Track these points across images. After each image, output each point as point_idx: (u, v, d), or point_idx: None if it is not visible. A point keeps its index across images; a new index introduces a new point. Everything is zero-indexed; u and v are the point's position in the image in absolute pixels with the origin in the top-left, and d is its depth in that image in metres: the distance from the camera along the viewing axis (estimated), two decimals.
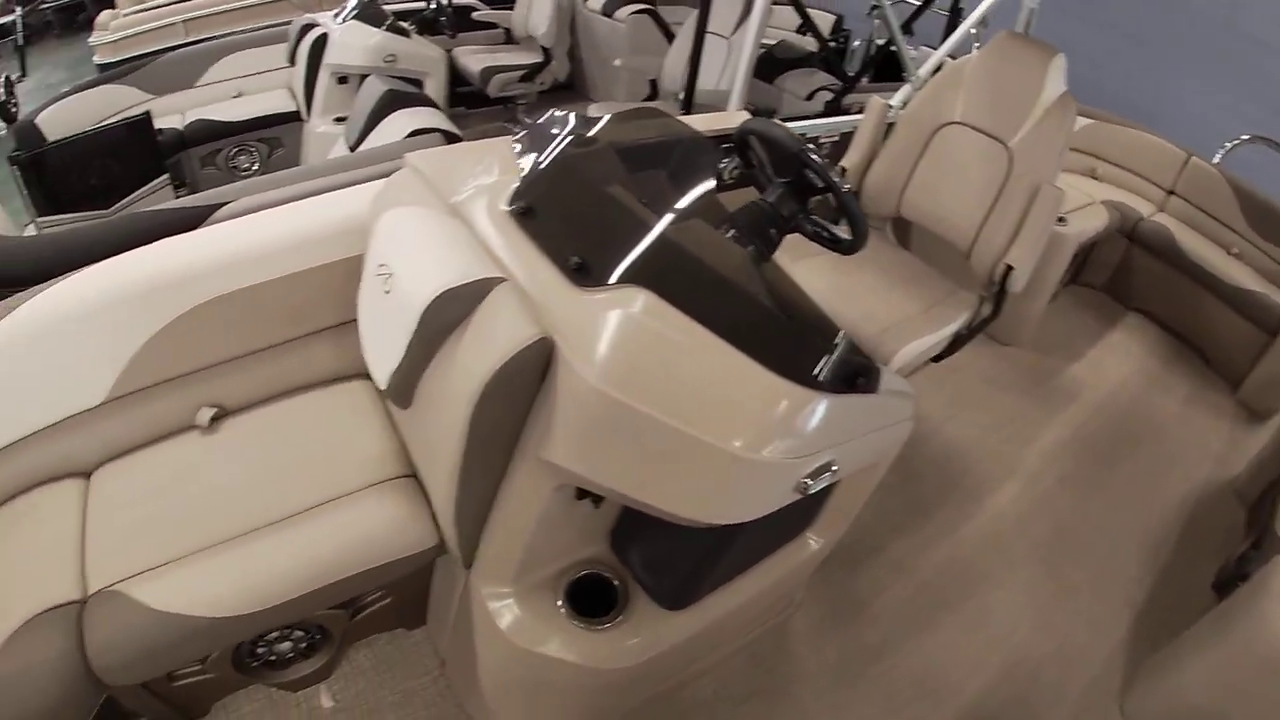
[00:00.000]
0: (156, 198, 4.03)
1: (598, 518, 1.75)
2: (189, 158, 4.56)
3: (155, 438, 1.94)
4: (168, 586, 1.56)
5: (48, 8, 9.59)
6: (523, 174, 1.73)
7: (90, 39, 6.13)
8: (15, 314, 1.73)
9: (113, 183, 3.86)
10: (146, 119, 4.00)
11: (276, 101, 4.87)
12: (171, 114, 4.64)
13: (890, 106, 2.98)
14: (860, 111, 3.25)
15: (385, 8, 4.83)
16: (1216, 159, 4.40)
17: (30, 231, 3.49)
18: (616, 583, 1.79)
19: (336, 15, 4.70)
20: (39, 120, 4.10)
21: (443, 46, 5.16)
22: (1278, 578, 2.00)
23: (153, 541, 1.66)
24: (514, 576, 1.68)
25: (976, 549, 2.76)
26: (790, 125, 2.08)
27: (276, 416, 2.00)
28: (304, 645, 1.94)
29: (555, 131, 1.82)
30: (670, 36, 5.31)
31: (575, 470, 1.37)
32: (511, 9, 6.03)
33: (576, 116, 1.87)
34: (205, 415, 1.95)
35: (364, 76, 4.09)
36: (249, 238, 1.96)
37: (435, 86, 4.88)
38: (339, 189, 2.15)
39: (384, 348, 1.54)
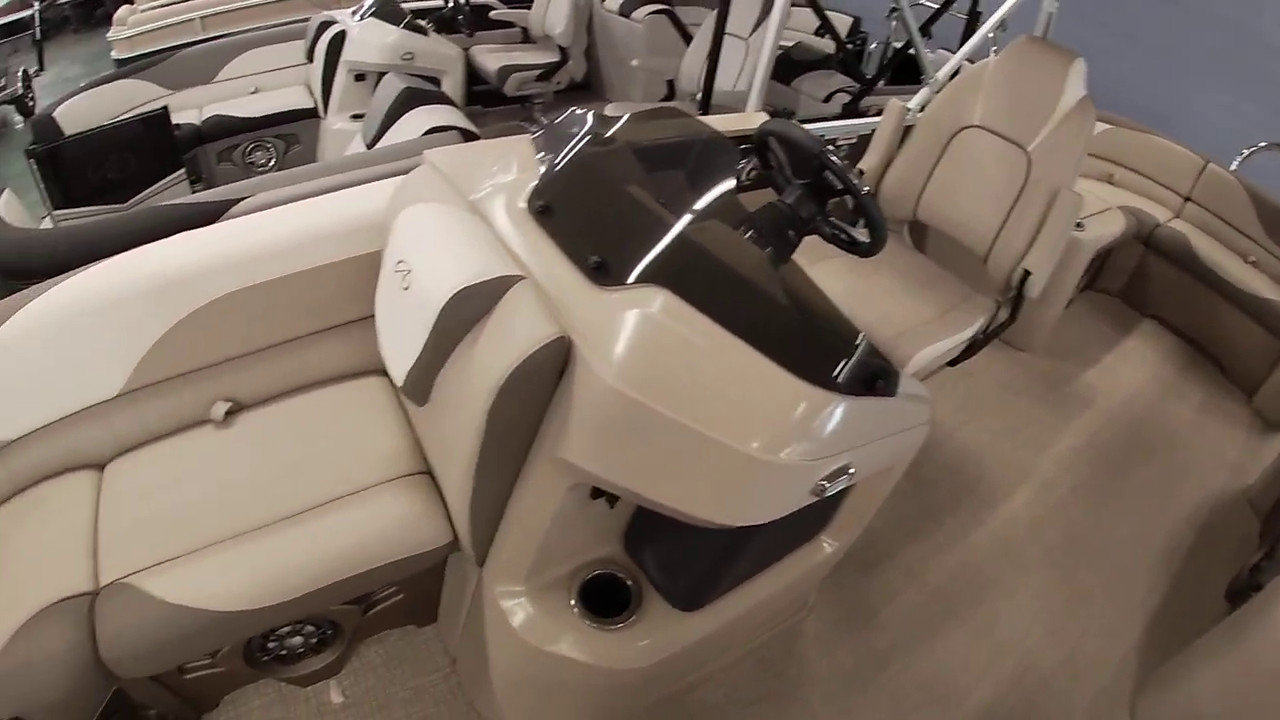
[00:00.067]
0: (173, 192, 4.05)
1: (612, 517, 1.75)
2: (205, 153, 4.58)
3: (169, 431, 1.95)
4: (180, 580, 1.56)
5: (65, 3, 9.64)
6: (542, 172, 1.73)
7: (108, 34, 6.16)
8: (31, 306, 1.74)
9: (129, 177, 3.88)
10: (164, 114, 4.02)
11: (293, 98, 4.89)
12: (189, 109, 4.66)
13: (908, 109, 2.97)
14: (878, 114, 3.24)
15: (403, 6, 4.85)
16: (1234, 166, 4.37)
17: (47, 224, 3.51)
18: (630, 583, 1.78)
19: (355, 13, 4.71)
20: (56, 114, 4.13)
21: (460, 45, 5.18)
22: None
23: (165, 534, 1.66)
24: (527, 575, 1.67)
25: (988, 555, 2.75)
26: (808, 127, 2.08)
27: (291, 411, 2.01)
28: (315, 640, 1.94)
29: (574, 130, 1.82)
30: (687, 37, 5.31)
31: (591, 469, 1.36)
32: (529, 8, 6.04)
33: (595, 115, 1.87)
34: (220, 409, 1.95)
35: (381, 74, 4.11)
36: (266, 233, 1.96)
37: (452, 85, 4.89)
38: (356, 185, 2.14)
39: (401, 344, 1.54)
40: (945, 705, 2.27)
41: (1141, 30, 6.14)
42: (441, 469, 1.77)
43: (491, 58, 5.59)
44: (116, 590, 1.55)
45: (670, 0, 5.70)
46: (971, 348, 2.56)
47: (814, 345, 1.43)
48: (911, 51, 3.81)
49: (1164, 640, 2.55)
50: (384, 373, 2.06)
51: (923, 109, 3.26)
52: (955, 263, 2.79)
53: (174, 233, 1.94)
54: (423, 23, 4.85)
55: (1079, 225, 3.52)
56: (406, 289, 1.51)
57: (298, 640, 1.91)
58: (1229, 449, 3.54)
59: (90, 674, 1.48)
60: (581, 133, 1.80)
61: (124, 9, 6.16)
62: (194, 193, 3.58)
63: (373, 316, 1.77)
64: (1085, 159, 2.53)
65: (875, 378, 1.43)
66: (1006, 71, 2.65)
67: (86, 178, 3.70)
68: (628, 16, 5.67)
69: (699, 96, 3.72)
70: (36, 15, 8.10)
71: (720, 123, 2.76)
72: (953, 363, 2.57)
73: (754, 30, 4.60)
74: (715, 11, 3.69)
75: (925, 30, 4.01)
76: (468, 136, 3.10)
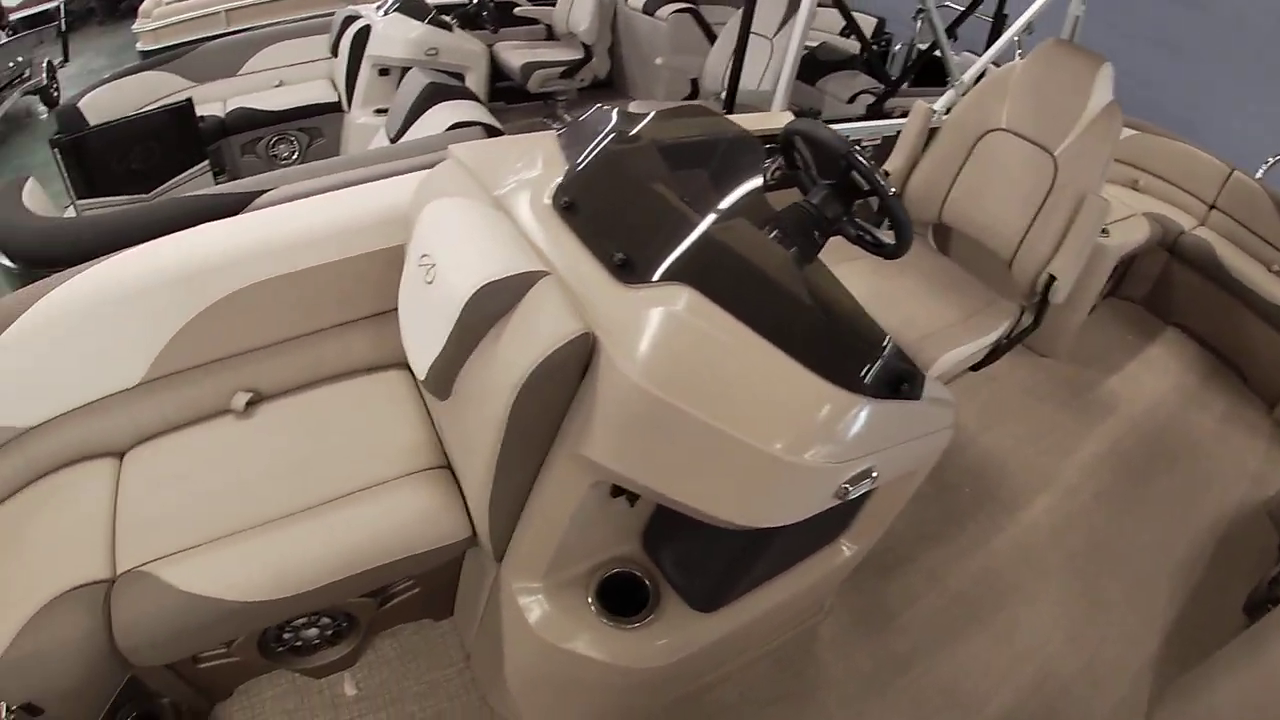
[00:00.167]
0: (196, 184, 4.06)
1: (631, 516, 1.74)
2: (229, 145, 4.60)
3: (189, 420, 1.96)
4: (197, 569, 1.57)
5: None
6: (566, 169, 1.73)
7: (134, 26, 6.22)
8: (54, 294, 1.75)
9: (153, 168, 3.89)
10: (188, 105, 4.03)
11: (317, 92, 4.91)
12: (213, 101, 4.69)
13: (934, 111, 2.95)
14: (902, 116, 3.22)
15: (428, 1, 4.85)
16: (1259, 174, 4.32)
17: (70, 214, 3.52)
18: (647, 582, 1.77)
19: (379, 8, 4.73)
20: (81, 104, 4.15)
21: (484, 41, 5.18)
22: None
23: (183, 523, 1.67)
24: (545, 572, 1.67)
25: (1009, 561, 2.73)
26: (833, 128, 2.07)
27: (312, 403, 2.01)
28: (330, 632, 1.95)
29: (599, 127, 1.81)
30: (712, 36, 5.30)
31: (613, 467, 1.36)
32: (553, 5, 6.04)
33: (620, 113, 1.86)
34: (240, 400, 1.96)
35: (406, 69, 4.12)
36: (290, 225, 1.97)
37: (476, 81, 4.89)
38: (380, 179, 2.15)
39: (424, 338, 1.54)
40: (965, 711, 2.25)
41: (1167, 34, 6.09)
42: (461, 464, 1.77)
43: (515, 54, 5.59)
44: (133, 578, 1.56)
45: None
46: (995, 352, 2.54)
47: (839, 346, 1.42)
48: (936, 53, 3.78)
49: (1183, 651, 2.52)
50: (404, 366, 2.07)
51: (948, 111, 3.24)
52: (979, 266, 2.77)
53: (197, 224, 1.95)
54: (447, 18, 4.86)
55: (1104, 231, 3.48)
56: (430, 283, 1.50)
57: (313, 632, 1.91)
58: (1250, 459, 3.51)
59: (105, 661, 1.49)
60: (606, 130, 1.79)
61: (149, 1, 6.20)
62: (217, 184, 3.59)
63: (394, 310, 1.76)
64: (1112, 164, 2.50)
65: (901, 381, 1.42)
66: (1033, 75, 2.63)
67: (110, 168, 3.72)
68: (652, 14, 5.66)
69: (723, 95, 3.71)
70: (62, 7, 8.15)
71: (745, 122, 2.75)
72: (976, 367, 2.55)
73: (779, 30, 4.58)
74: (740, 10, 3.67)
75: (951, 32, 3.98)
76: (492, 132, 3.10)
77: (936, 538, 2.75)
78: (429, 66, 4.27)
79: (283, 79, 5.04)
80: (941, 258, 2.85)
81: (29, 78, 7.36)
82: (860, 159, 1.65)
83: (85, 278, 1.78)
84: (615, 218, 1.59)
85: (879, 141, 3.43)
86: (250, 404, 1.97)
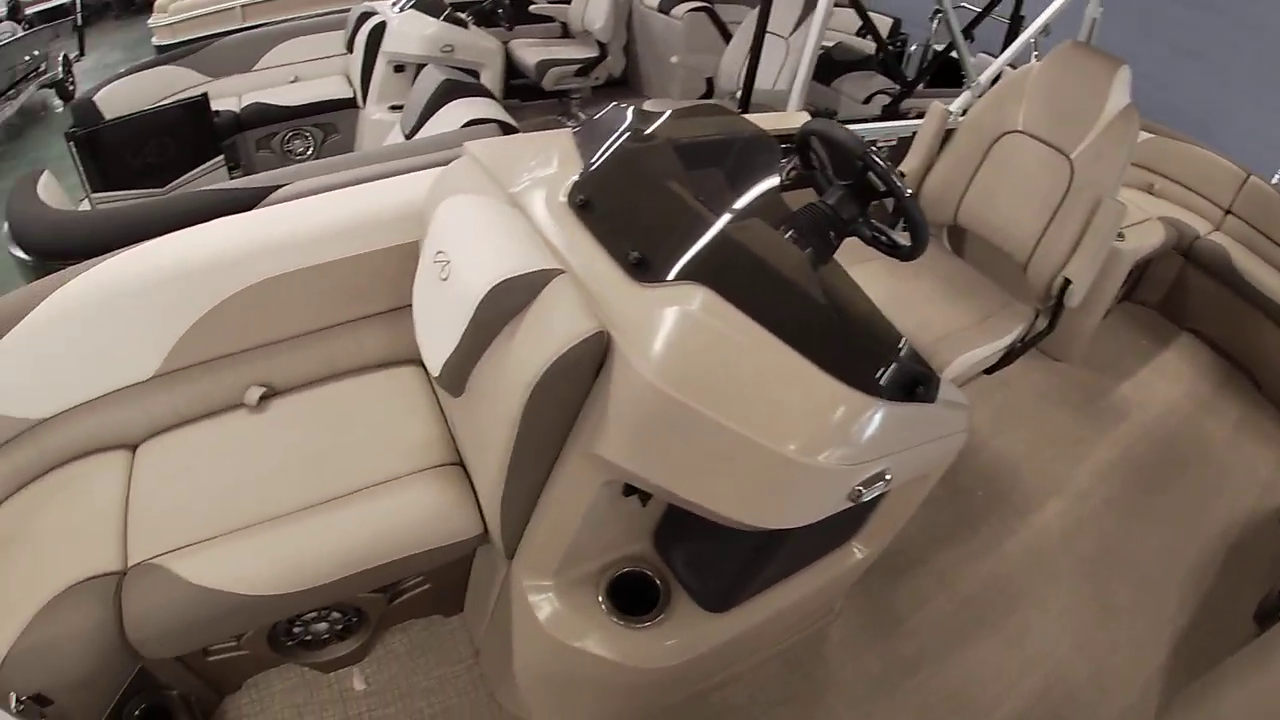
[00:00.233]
0: (210, 179, 4.08)
1: (643, 515, 1.74)
2: (244, 140, 4.61)
3: (202, 414, 1.97)
4: (208, 562, 1.57)
5: None
6: (582, 167, 1.72)
7: (149, 21, 6.23)
8: (68, 287, 1.76)
9: (168, 162, 3.90)
10: (204, 100, 4.05)
11: (333, 88, 4.92)
12: (228, 96, 4.70)
13: (950, 113, 2.93)
14: (917, 116, 3.21)
15: None
16: (1276, 179, 4.29)
17: (85, 207, 3.54)
18: (658, 582, 1.77)
19: (395, 4, 4.73)
20: (97, 98, 4.18)
21: (499, 38, 5.18)
22: None
23: (195, 517, 1.68)
24: (556, 570, 1.67)
25: (1020, 566, 2.72)
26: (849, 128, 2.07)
27: (325, 398, 2.02)
28: (340, 627, 1.95)
29: (615, 125, 1.81)
30: (727, 35, 5.28)
31: (626, 466, 1.35)
32: (568, 3, 6.03)
33: (636, 111, 1.86)
34: (254, 394, 1.97)
35: (421, 66, 4.12)
36: (304, 220, 1.97)
37: (491, 78, 4.90)
38: (395, 175, 2.15)
39: (439, 335, 1.54)
40: (971, 715, 2.25)
41: (1183, 37, 6.06)
42: (474, 461, 1.77)
43: (530, 51, 5.59)
44: (145, 570, 1.57)
45: None
46: (1009, 356, 2.52)
47: (855, 348, 1.41)
48: (953, 54, 3.77)
49: (1192, 659, 2.51)
50: (418, 362, 2.07)
51: (964, 112, 3.23)
52: (994, 269, 2.76)
53: (212, 218, 1.96)
54: (463, 15, 4.86)
55: (1120, 235, 3.46)
56: (445, 280, 1.50)
57: (323, 626, 1.92)
58: (1262, 467, 3.48)
59: (115, 653, 1.50)
60: (622, 128, 1.79)
61: None
62: (232, 180, 3.60)
63: (408, 306, 1.76)
64: (1129, 167, 2.49)
65: (916, 383, 1.41)
66: (1050, 77, 2.61)
67: (125, 162, 3.73)
68: (667, 13, 5.65)
69: (738, 95, 3.70)
70: (77, 1, 8.20)
71: (761, 121, 2.74)
72: (990, 370, 2.54)
73: (794, 29, 4.57)
74: (756, 9, 3.67)
75: (968, 33, 3.97)
76: (507, 130, 3.10)
77: (947, 541, 2.74)
78: (444, 63, 4.28)
79: (298, 75, 5.05)
80: (956, 260, 2.84)
81: (45, 71, 7.41)
82: (877, 160, 1.65)
83: (100, 271, 1.79)
84: (631, 216, 1.58)
85: (894, 142, 3.42)
86: (263, 398, 1.98)
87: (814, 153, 1.91)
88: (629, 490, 1.57)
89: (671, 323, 1.30)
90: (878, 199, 1.75)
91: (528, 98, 5.94)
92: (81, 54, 8.26)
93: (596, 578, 1.75)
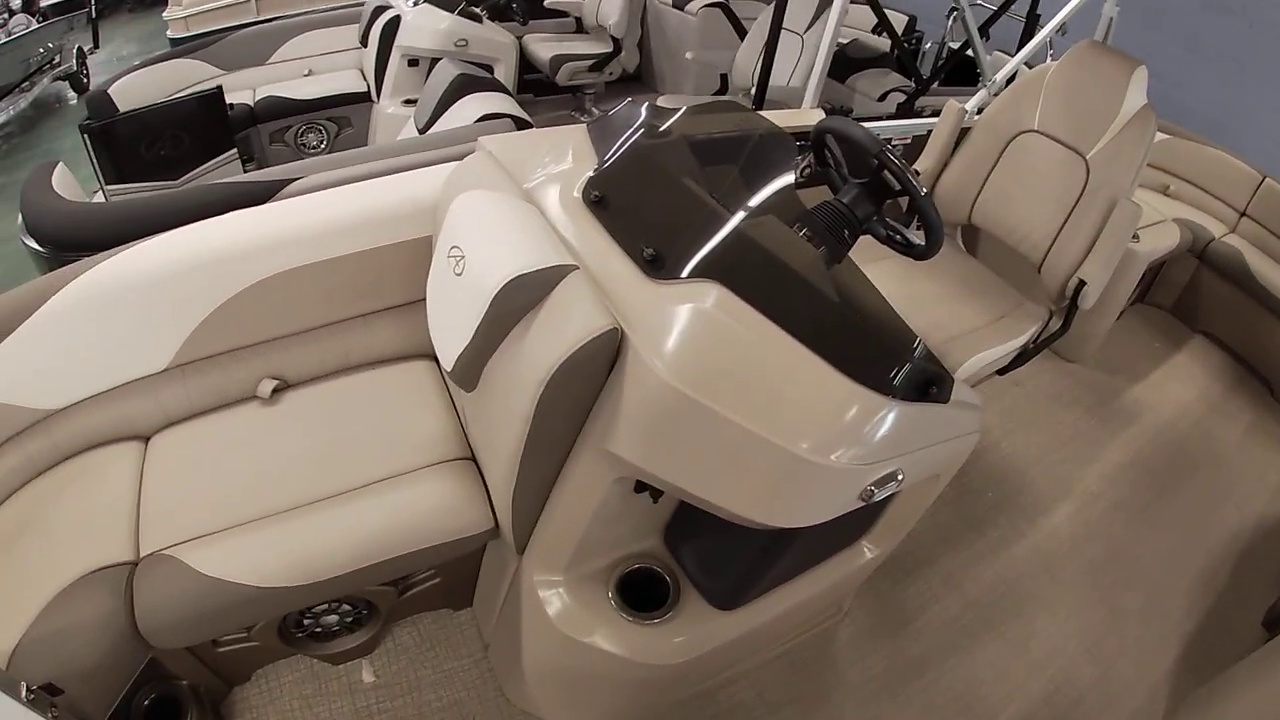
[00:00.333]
0: (224, 171, 4.09)
1: (654, 512, 1.74)
2: (258, 133, 4.62)
3: (215, 406, 1.98)
4: (220, 554, 1.58)
5: None
6: (596, 162, 1.72)
7: (164, 14, 6.25)
8: (83, 278, 1.76)
9: (182, 155, 3.91)
10: (218, 93, 4.05)
11: (347, 81, 4.92)
12: (242, 90, 4.71)
13: (966, 111, 2.92)
14: (932, 115, 3.19)
15: None
16: None
17: (99, 199, 3.55)
18: (668, 579, 1.77)
19: None
20: (111, 91, 4.19)
21: (513, 33, 5.17)
22: None
23: (207, 508, 1.68)
24: (566, 565, 1.67)
25: (1027, 568, 2.71)
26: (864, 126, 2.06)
27: (338, 392, 2.02)
28: (350, 620, 1.96)
29: (629, 121, 1.81)
30: (742, 31, 5.26)
31: (638, 463, 1.35)
32: None
33: (650, 107, 1.86)
34: (266, 387, 1.97)
35: (435, 60, 4.12)
36: (318, 214, 1.97)
37: (505, 72, 4.89)
38: (409, 170, 2.15)
39: (452, 330, 1.54)
40: (978, 717, 2.24)
41: (1200, 38, 6.02)
42: (486, 456, 1.77)
43: (544, 47, 5.58)
44: (156, 561, 1.57)
45: None
46: (1022, 356, 2.51)
47: (869, 347, 1.41)
48: (968, 53, 3.74)
49: (1200, 664, 2.50)
50: (430, 357, 2.08)
51: (980, 111, 3.21)
52: (1008, 269, 2.75)
53: (226, 211, 1.96)
54: (477, 10, 4.85)
55: (1135, 237, 3.44)
56: (459, 275, 1.50)
57: (333, 619, 1.93)
58: (1272, 473, 3.46)
59: (126, 643, 1.51)
60: (637, 124, 1.78)
61: None
62: (245, 172, 3.61)
63: (421, 301, 1.77)
64: (1145, 168, 2.47)
65: (930, 384, 1.40)
66: (1066, 76, 2.60)
67: (139, 154, 3.74)
68: (681, 9, 5.64)
69: (753, 91, 3.69)
70: None
71: (776, 119, 2.73)
72: (1002, 371, 2.53)
73: (810, 26, 4.55)
74: (771, 6, 3.65)
75: (984, 32, 3.94)
76: (521, 125, 3.10)
77: (956, 542, 2.74)
78: (458, 58, 4.27)
79: (312, 68, 5.06)
80: (970, 259, 2.83)
81: (59, 64, 7.44)
82: (892, 158, 1.64)
83: (114, 263, 1.80)
84: (645, 213, 1.58)
85: (909, 141, 3.41)
86: (276, 391, 1.99)
87: (829, 150, 1.90)
88: (640, 487, 1.57)
89: (685, 320, 1.30)
90: (892, 197, 1.74)
91: (541, 93, 5.94)
92: (96, 46, 8.30)
93: (606, 574, 1.75)
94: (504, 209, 1.55)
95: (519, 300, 1.41)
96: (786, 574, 1.81)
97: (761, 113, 2.58)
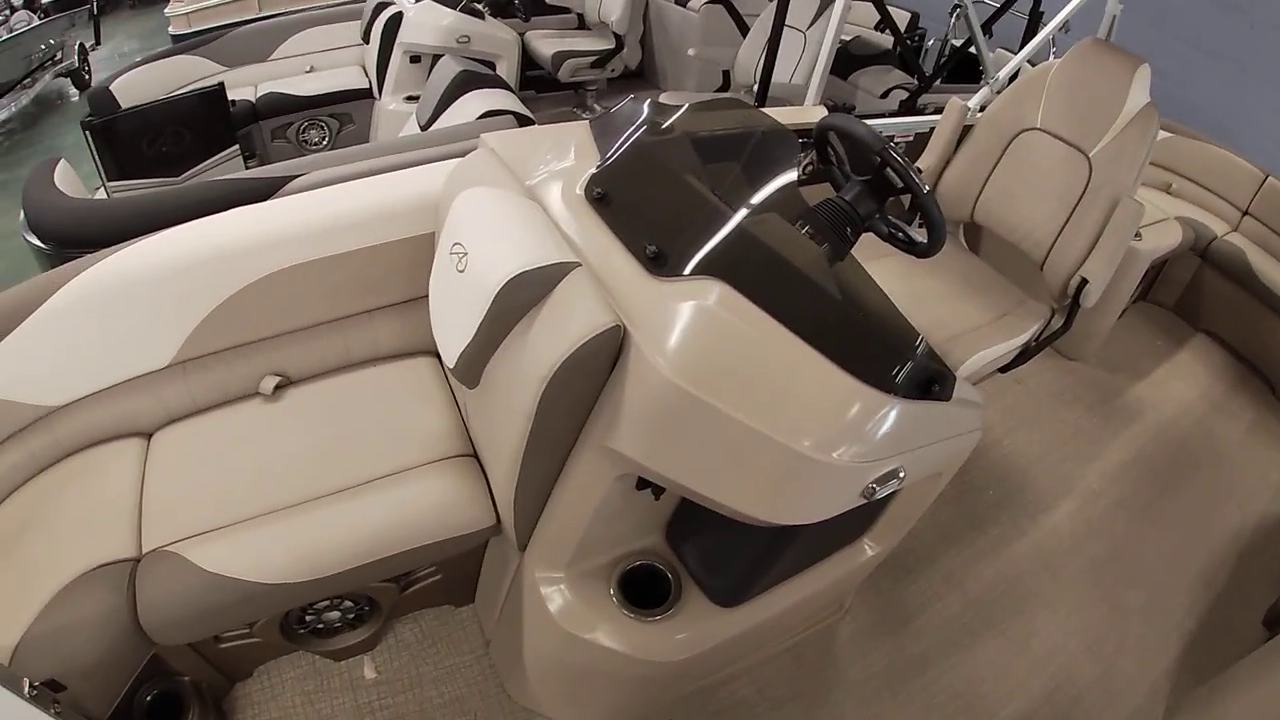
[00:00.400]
0: (226, 168, 4.08)
1: (655, 509, 1.74)
2: (260, 130, 4.62)
3: (218, 403, 1.98)
4: (222, 550, 1.58)
5: None
6: (599, 159, 1.72)
7: (166, 10, 6.26)
8: (85, 275, 1.76)
9: (184, 151, 3.91)
10: (220, 89, 4.05)
11: (348, 78, 4.92)
12: (244, 86, 4.71)
13: (968, 109, 2.92)
14: (934, 112, 3.19)
15: None
16: None
17: (100, 196, 3.55)
18: (669, 575, 1.77)
19: None
20: (113, 87, 4.19)
21: (515, 30, 5.17)
22: None
23: (210, 505, 1.69)
24: (568, 562, 1.67)
25: (1029, 566, 2.70)
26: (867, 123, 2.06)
27: (340, 388, 2.03)
28: (352, 616, 1.96)
29: (632, 118, 1.81)
30: (744, 28, 5.26)
31: (640, 460, 1.35)
32: None
33: (653, 104, 1.86)
34: (269, 384, 1.97)
35: (437, 56, 4.12)
36: (321, 211, 1.97)
37: (507, 69, 4.89)
38: (411, 167, 2.15)
39: (455, 326, 1.54)
40: (979, 715, 2.24)
41: (1204, 35, 6.01)
42: (488, 452, 1.77)
43: (546, 43, 5.58)
44: (158, 558, 1.58)
45: None
46: (1024, 355, 2.51)
47: (871, 345, 1.41)
48: (971, 50, 3.74)
49: (1200, 663, 2.50)
50: (432, 353, 2.08)
51: (983, 109, 3.21)
52: (1010, 267, 2.74)
53: (228, 207, 1.96)
54: (479, 6, 4.86)
55: (1137, 235, 3.44)
56: (462, 272, 1.50)
57: (335, 615, 1.93)
58: (1274, 472, 3.45)
59: (128, 639, 1.51)
60: (640, 121, 1.78)
61: None
62: (247, 169, 3.61)
63: (423, 297, 1.77)
64: (1148, 167, 2.47)
65: (932, 381, 1.40)
66: (1069, 74, 2.59)
67: (141, 151, 3.74)
68: (684, 5, 5.64)
69: (755, 88, 3.69)
70: None
71: (778, 116, 2.72)
72: (1004, 369, 2.52)
73: (812, 23, 4.55)
74: (773, 2, 3.65)
75: (987, 29, 3.94)
76: (523, 121, 3.10)
77: (957, 540, 2.74)
78: (460, 54, 4.27)
79: (314, 65, 5.06)
80: (972, 257, 2.82)
81: (61, 60, 7.44)
82: (895, 156, 1.64)
83: (116, 259, 1.80)
84: (648, 210, 1.58)
85: (911, 138, 3.40)
86: (278, 388, 1.99)
87: (831, 148, 1.90)
88: (642, 484, 1.57)
89: (688, 317, 1.30)
90: (895, 195, 1.74)
91: (543, 89, 5.94)
92: (97, 43, 8.30)
93: (608, 570, 1.75)
94: (506, 206, 1.55)
95: (521, 297, 1.41)
96: (788, 571, 1.81)
97: (764, 110, 2.58)
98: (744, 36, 5.02)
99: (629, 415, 1.33)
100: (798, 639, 2.30)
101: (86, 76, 7.74)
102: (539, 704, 1.97)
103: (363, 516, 1.67)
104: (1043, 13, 4.23)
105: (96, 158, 3.61)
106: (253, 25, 5.11)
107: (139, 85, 4.27)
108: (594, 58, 5.63)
